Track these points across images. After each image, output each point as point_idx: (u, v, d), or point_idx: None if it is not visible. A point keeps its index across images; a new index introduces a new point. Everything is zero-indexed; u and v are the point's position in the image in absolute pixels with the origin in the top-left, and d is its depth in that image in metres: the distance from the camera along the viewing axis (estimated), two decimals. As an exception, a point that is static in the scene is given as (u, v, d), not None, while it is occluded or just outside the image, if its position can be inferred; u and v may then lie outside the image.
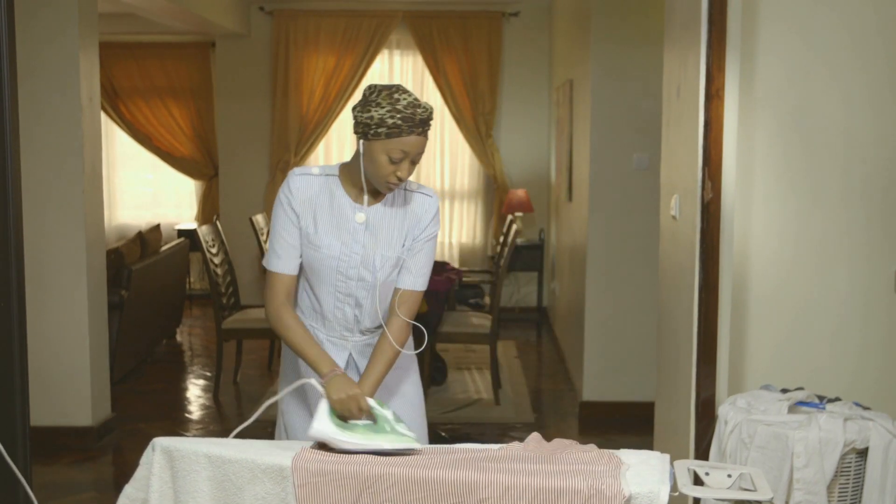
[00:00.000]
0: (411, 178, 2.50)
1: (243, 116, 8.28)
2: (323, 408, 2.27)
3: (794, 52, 3.12)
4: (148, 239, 6.50)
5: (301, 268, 2.54)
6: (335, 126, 8.22)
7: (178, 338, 7.44)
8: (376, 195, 2.49)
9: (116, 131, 8.75)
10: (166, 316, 7.03)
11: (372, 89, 2.36)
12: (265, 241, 6.99)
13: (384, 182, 2.38)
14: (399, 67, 8.30)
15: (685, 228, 3.23)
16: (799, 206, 3.16)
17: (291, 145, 8.13)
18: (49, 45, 4.57)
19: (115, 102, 8.58)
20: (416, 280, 2.52)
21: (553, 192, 7.62)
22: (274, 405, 2.43)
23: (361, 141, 2.36)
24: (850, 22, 3.10)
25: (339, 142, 8.38)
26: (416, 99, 2.34)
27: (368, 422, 2.26)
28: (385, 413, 2.27)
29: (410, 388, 2.69)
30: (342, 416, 2.27)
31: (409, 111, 2.30)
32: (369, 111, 2.32)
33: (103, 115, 7.98)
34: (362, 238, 2.47)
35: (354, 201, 2.48)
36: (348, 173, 2.48)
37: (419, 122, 2.31)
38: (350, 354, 2.60)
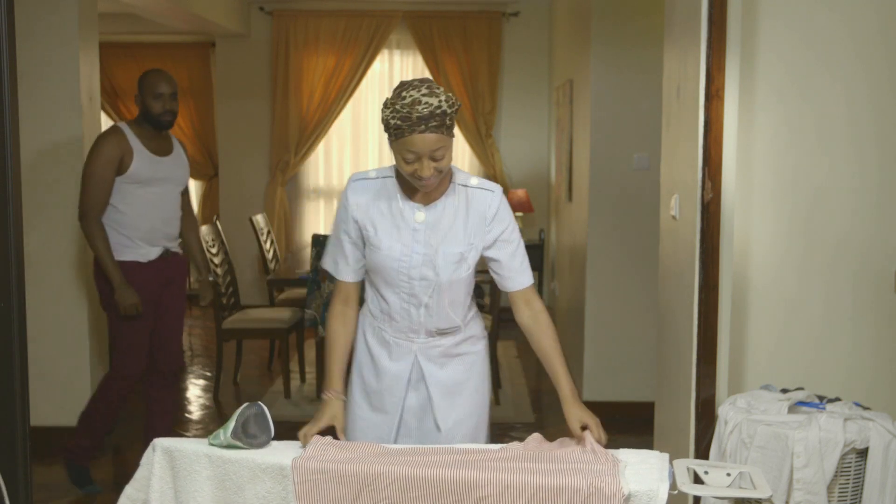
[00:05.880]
0: (472, 174, 2.50)
1: (243, 116, 8.27)
2: (236, 414, 2.28)
3: (794, 52, 3.12)
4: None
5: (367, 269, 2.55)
6: (335, 126, 8.22)
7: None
8: (436, 192, 2.44)
9: (116, 131, 8.74)
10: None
11: (397, 86, 2.34)
12: (265, 242, 6.99)
13: (414, 182, 2.35)
14: (399, 67, 8.30)
15: (685, 228, 3.23)
16: (799, 206, 3.16)
17: (291, 145, 8.13)
18: (49, 45, 4.57)
19: (115, 102, 8.58)
20: (525, 278, 2.52)
21: (553, 192, 7.62)
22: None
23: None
24: (851, 21, 3.10)
25: (339, 142, 8.38)
26: (424, 95, 2.25)
27: (235, 443, 2.24)
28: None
29: (471, 389, 2.63)
30: (245, 428, 2.25)
31: (405, 111, 2.24)
32: (384, 112, 2.32)
33: (103, 115, 7.98)
34: (423, 237, 2.44)
35: (413, 201, 2.44)
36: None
37: (417, 119, 2.24)
38: (415, 357, 2.55)
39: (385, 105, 2.31)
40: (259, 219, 7.02)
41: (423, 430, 2.56)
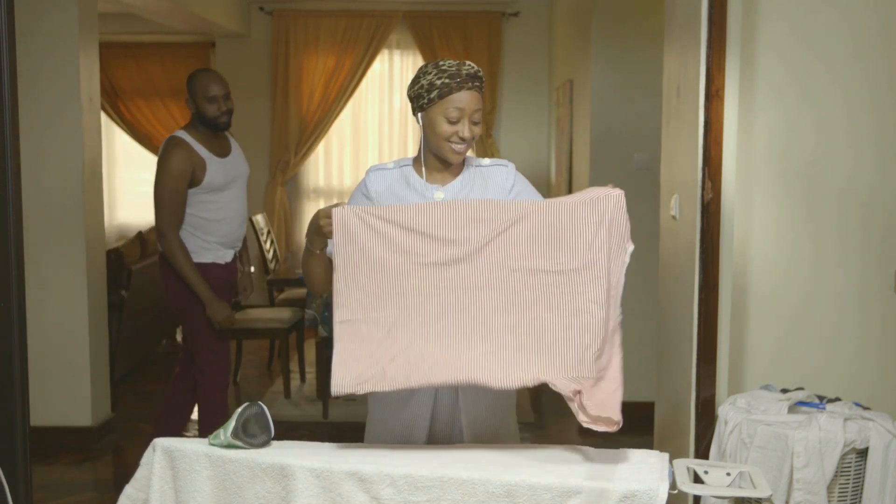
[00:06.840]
0: (485, 159, 2.53)
1: (243, 116, 8.23)
2: (236, 414, 2.26)
3: (794, 52, 3.12)
4: (148, 239, 6.50)
5: None
6: (335, 126, 8.22)
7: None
8: (451, 175, 2.48)
9: (116, 131, 8.74)
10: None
11: (429, 63, 2.42)
12: (265, 242, 6.99)
13: (449, 147, 2.38)
14: (399, 67, 8.30)
15: (685, 228, 3.23)
16: (799, 206, 3.16)
17: (291, 145, 8.13)
18: (49, 45, 4.57)
19: (115, 102, 8.58)
20: None
21: (553, 193, 7.62)
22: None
23: (420, 115, 2.40)
24: (851, 21, 3.10)
25: (339, 142, 8.38)
26: (462, 61, 2.38)
27: (235, 443, 2.22)
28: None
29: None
30: (245, 428, 2.23)
31: (453, 69, 2.34)
32: (418, 81, 2.38)
33: (103, 115, 7.98)
34: None
35: (431, 183, 2.48)
36: (421, 160, 2.48)
37: (466, 76, 2.34)
38: None
39: (425, 72, 2.37)
40: (259, 219, 7.02)
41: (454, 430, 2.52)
